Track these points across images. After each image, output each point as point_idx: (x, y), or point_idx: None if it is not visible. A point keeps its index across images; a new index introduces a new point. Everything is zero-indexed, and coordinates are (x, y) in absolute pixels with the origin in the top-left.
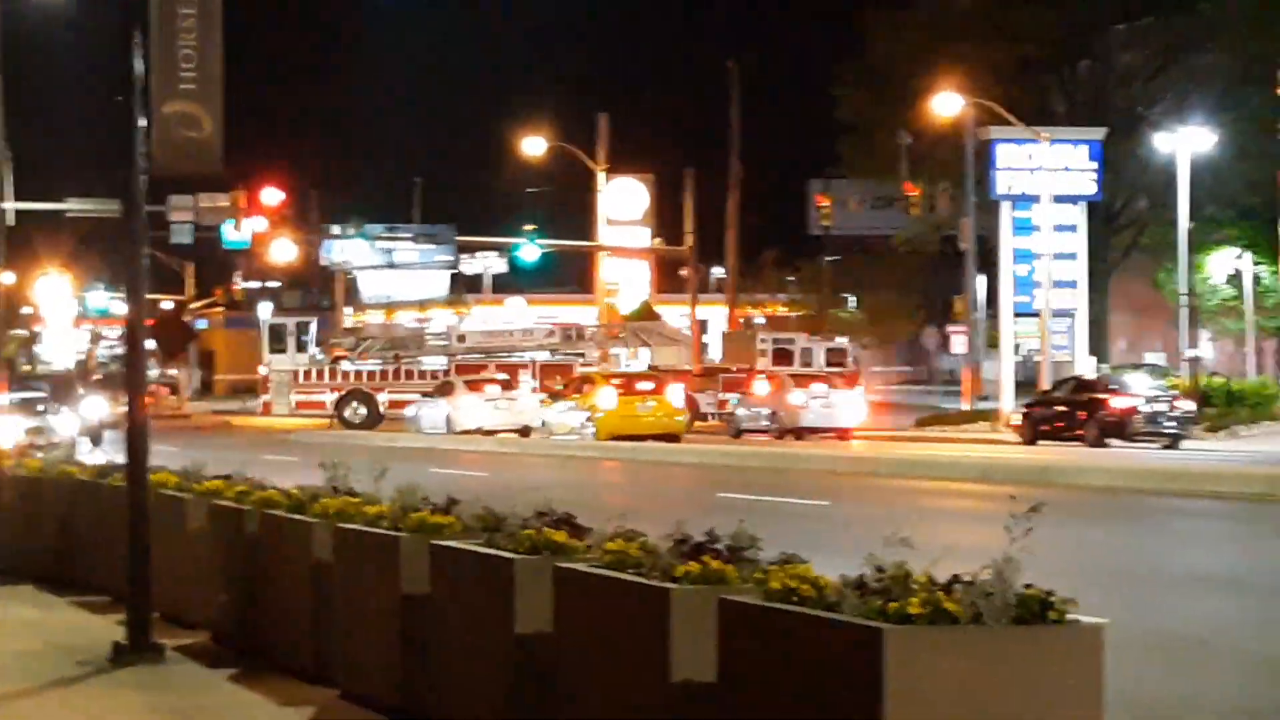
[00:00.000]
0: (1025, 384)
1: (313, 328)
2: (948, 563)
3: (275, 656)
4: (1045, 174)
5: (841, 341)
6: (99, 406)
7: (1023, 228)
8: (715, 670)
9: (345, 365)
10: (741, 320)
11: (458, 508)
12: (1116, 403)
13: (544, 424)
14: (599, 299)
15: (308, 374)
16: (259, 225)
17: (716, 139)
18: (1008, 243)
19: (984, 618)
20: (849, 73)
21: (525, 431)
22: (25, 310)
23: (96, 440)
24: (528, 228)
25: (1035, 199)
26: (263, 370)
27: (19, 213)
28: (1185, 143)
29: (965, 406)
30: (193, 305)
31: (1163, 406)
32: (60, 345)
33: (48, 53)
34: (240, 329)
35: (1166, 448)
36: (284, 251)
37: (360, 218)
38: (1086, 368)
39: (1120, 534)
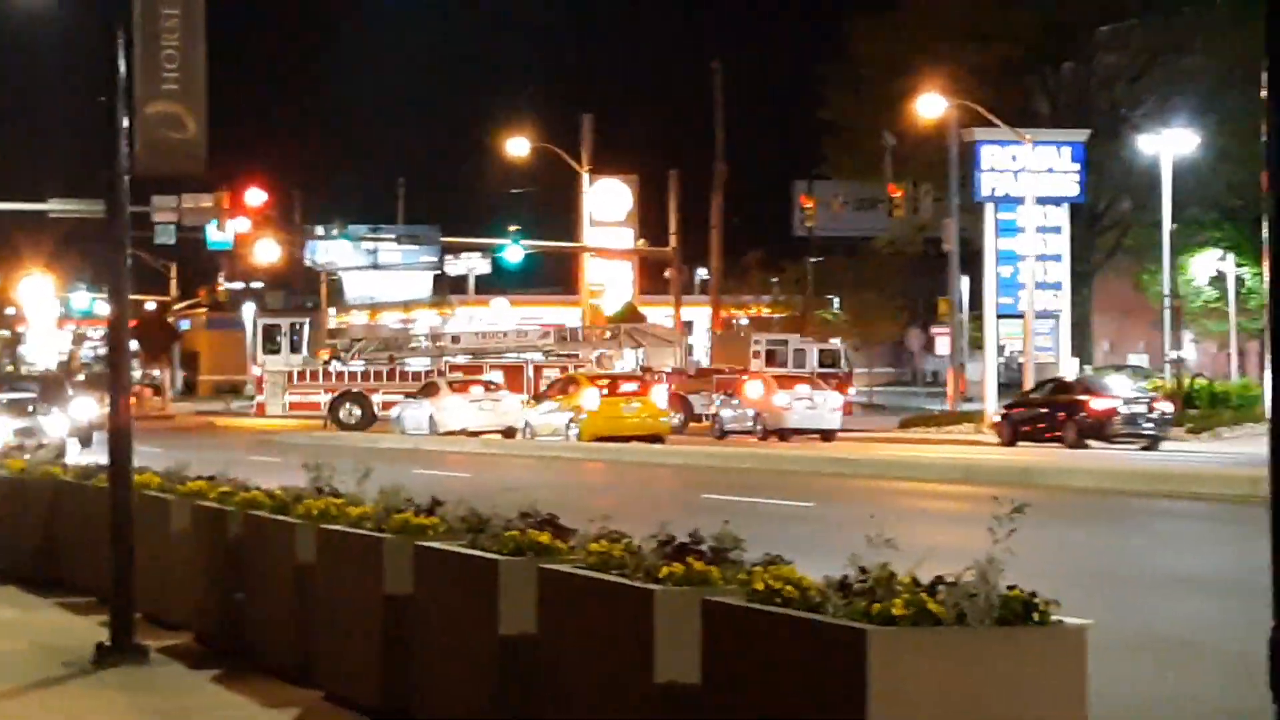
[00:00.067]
0: (1009, 385)
1: (306, 329)
2: (931, 564)
3: (259, 658)
4: (1029, 176)
5: (835, 343)
6: (88, 407)
7: (1006, 229)
8: (699, 671)
9: (339, 366)
10: (734, 322)
11: (441, 509)
12: (1096, 404)
13: (528, 425)
14: (583, 300)
15: (302, 375)
16: (242, 226)
17: (700, 140)
18: (991, 244)
19: (968, 619)
20: (833, 74)
21: (509, 433)
22: (8, 311)
23: (86, 442)
24: (512, 229)
25: (1019, 201)
26: (256, 371)
27: (2, 213)
28: (1168, 145)
29: (949, 408)
30: (176, 306)
31: (1141, 408)
32: (43, 346)
33: (30, 53)
34: (224, 330)
35: (1145, 449)
36: (267, 252)
37: (344, 218)
38: (1070, 369)
39: (1103, 535)
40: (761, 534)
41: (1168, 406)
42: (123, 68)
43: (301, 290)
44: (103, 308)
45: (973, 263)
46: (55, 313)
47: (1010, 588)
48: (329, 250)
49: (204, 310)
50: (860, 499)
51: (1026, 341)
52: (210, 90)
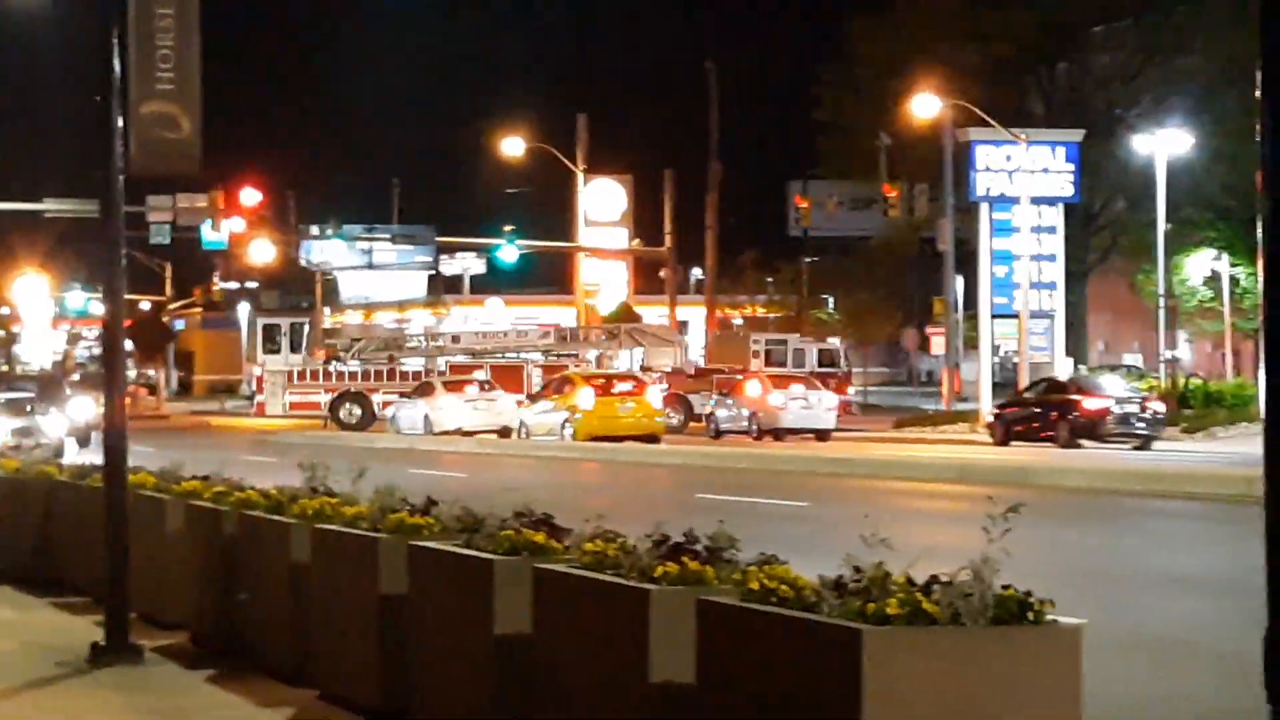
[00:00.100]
0: (1004, 385)
1: (306, 329)
2: (926, 563)
3: (254, 657)
4: (1024, 176)
5: (834, 342)
6: (86, 407)
7: (1001, 229)
8: (694, 671)
9: (339, 366)
10: (730, 323)
11: (436, 509)
12: (1088, 404)
13: (523, 425)
14: (578, 300)
15: (302, 375)
16: (237, 226)
17: (695, 140)
18: (986, 244)
19: (962, 618)
20: (828, 74)
21: (504, 432)
22: (3, 310)
23: (84, 442)
24: (506, 229)
25: (1014, 200)
26: (256, 371)
27: None
28: (1163, 145)
29: (944, 408)
30: (171, 306)
31: (1134, 408)
32: (38, 346)
33: (26, 53)
34: (218, 329)
35: (1138, 449)
36: (262, 252)
37: (339, 218)
38: (1065, 369)
39: (1097, 535)
40: (757, 534)
41: (1160, 406)
42: (118, 67)
43: (296, 290)
44: (98, 307)
45: (968, 263)
46: (50, 312)
47: (1005, 587)
48: (324, 250)
49: (199, 310)
50: (855, 499)
51: (1021, 341)
52: (205, 90)
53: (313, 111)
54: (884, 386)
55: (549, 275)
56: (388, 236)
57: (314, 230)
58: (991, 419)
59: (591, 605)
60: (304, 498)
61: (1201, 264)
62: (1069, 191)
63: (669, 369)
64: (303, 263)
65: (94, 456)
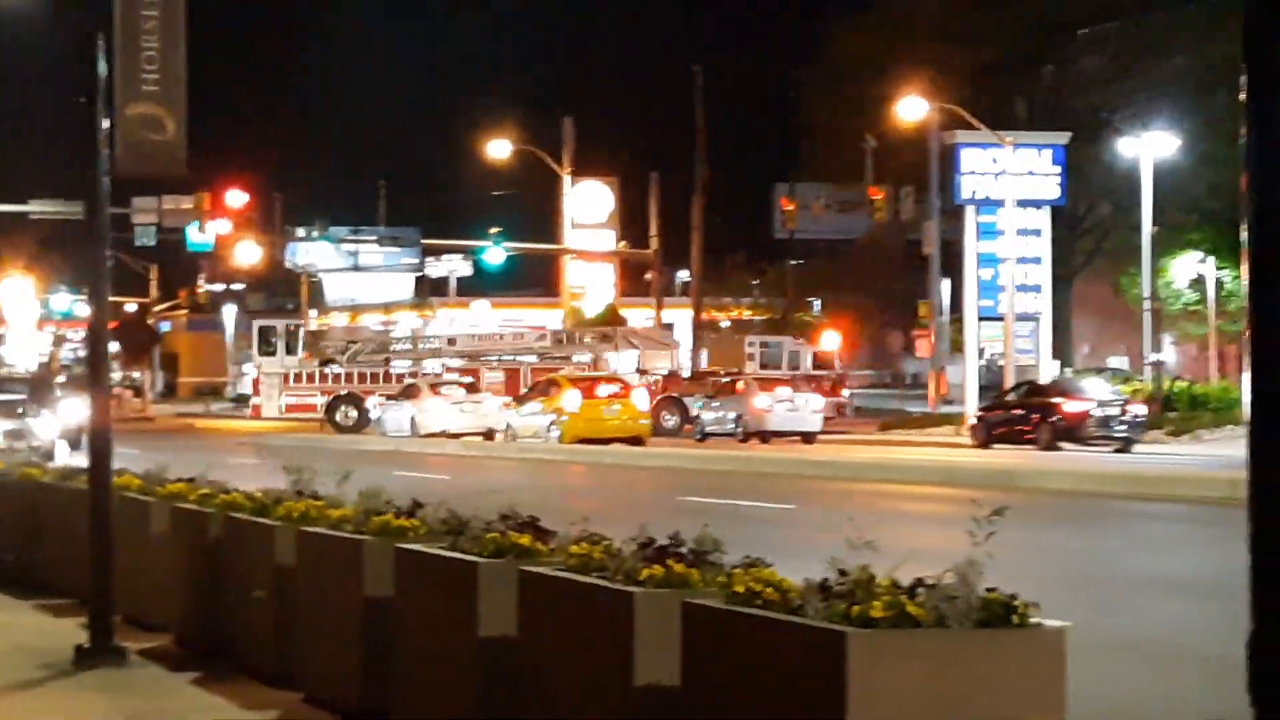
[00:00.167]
0: (990, 388)
1: (302, 331)
2: (911, 566)
3: (239, 660)
4: (1009, 178)
5: (829, 345)
6: (77, 409)
7: (987, 232)
8: (679, 674)
9: (335, 369)
10: (721, 324)
11: (422, 511)
12: (1069, 407)
13: (509, 427)
14: (564, 302)
15: (298, 377)
16: (223, 227)
17: (682, 142)
18: (972, 247)
19: (947, 621)
20: (812, 76)
21: (490, 434)
22: None
23: (75, 444)
24: (493, 231)
25: (999, 203)
26: (252, 373)
27: None
28: (1148, 147)
29: (930, 410)
30: (157, 308)
31: (1115, 410)
32: (24, 347)
33: (10, 54)
34: (204, 331)
35: (1118, 451)
36: (248, 254)
37: (325, 220)
38: (1050, 372)
39: (1083, 537)
40: (742, 536)
41: (1141, 409)
42: (103, 69)
43: (282, 292)
44: (83, 309)
45: (953, 265)
46: (35, 314)
47: (990, 590)
48: (310, 252)
49: (184, 312)
50: (840, 501)
51: (1007, 344)
52: (190, 92)
53: (299, 114)
54: (869, 389)
55: (535, 277)
56: (374, 239)
57: (300, 232)
58: (974, 421)
59: (577, 608)
60: (289, 500)
61: (1187, 267)
62: (1054, 194)
63: (665, 372)
64: (288, 265)
65: (84, 459)
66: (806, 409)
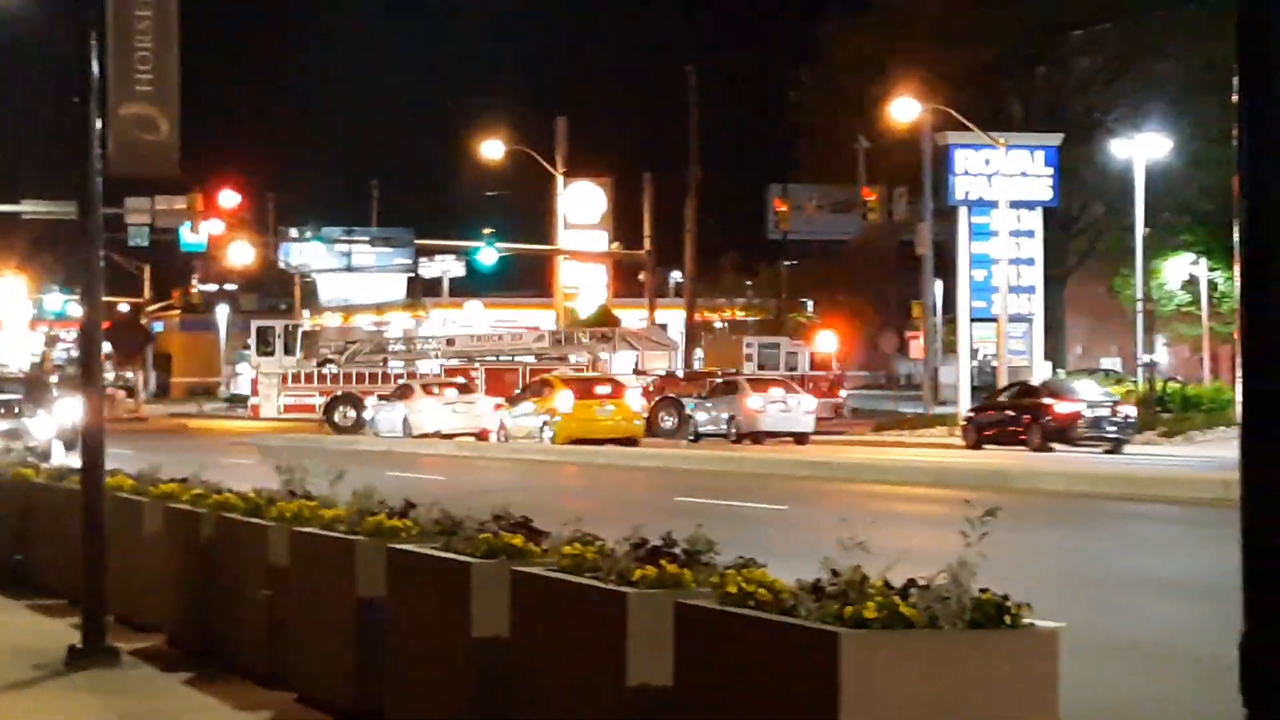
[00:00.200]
0: (983, 389)
1: (300, 331)
2: (904, 567)
3: (232, 660)
4: (1002, 179)
5: (827, 343)
6: (74, 410)
7: (980, 233)
8: (672, 674)
9: (333, 369)
10: (715, 325)
11: (415, 511)
12: (1060, 408)
13: (503, 428)
14: (557, 303)
15: (297, 377)
16: (216, 228)
17: (675, 143)
18: (965, 248)
19: (940, 622)
20: (806, 77)
21: (483, 435)
22: None
23: (71, 445)
24: (486, 231)
25: (993, 204)
26: (251, 373)
27: None
28: (1141, 149)
29: (927, 411)
30: (150, 308)
31: (1105, 411)
32: (16, 347)
33: (4, 54)
34: (197, 331)
35: (1109, 452)
36: (241, 254)
37: (318, 221)
38: (1043, 373)
39: (1075, 538)
40: (735, 537)
41: (1132, 410)
42: (96, 69)
43: (275, 292)
44: (76, 309)
45: (947, 266)
46: (28, 314)
47: (982, 590)
48: (303, 252)
49: (177, 312)
50: (833, 502)
51: (1000, 345)
52: (184, 92)
53: (292, 114)
54: (863, 390)
55: (528, 278)
56: (367, 239)
57: (293, 233)
58: (965, 422)
59: (569, 608)
60: (282, 500)
61: (1180, 268)
62: (1048, 195)
63: (663, 373)
64: (281, 265)
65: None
66: (799, 410)
